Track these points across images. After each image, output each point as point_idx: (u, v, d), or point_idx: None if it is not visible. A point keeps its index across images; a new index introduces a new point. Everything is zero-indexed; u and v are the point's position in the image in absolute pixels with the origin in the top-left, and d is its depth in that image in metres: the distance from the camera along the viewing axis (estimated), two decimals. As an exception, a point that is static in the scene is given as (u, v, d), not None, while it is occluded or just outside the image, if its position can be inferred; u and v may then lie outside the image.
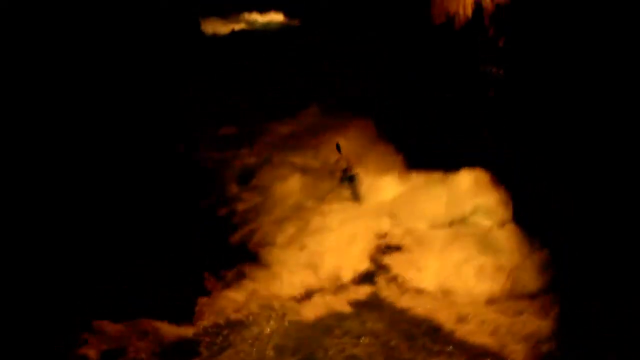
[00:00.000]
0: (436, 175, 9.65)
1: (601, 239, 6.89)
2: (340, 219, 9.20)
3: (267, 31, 23.22)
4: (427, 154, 10.13)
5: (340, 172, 10.49)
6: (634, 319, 6.10)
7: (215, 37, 21.98)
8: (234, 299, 7.49)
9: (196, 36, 19.61)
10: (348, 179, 10.13)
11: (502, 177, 9.02)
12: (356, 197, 9.85)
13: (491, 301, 7.25)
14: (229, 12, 25.79)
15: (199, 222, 9.41)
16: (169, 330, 6.97)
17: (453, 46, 10.06)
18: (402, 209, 9.29)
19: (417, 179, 9.85)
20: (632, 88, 6.62)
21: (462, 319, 7.01)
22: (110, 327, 6.92)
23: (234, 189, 10.60)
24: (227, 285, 7.84)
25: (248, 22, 25.19)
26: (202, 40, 19.82)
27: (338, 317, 7.27)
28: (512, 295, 7.28)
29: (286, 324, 7.14)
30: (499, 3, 8.99)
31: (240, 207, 9.92)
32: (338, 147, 10.53)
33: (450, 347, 6.67)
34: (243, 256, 8.52)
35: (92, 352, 6.62)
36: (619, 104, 6.82)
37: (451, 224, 8.84)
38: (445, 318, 7.07)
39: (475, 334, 6.81)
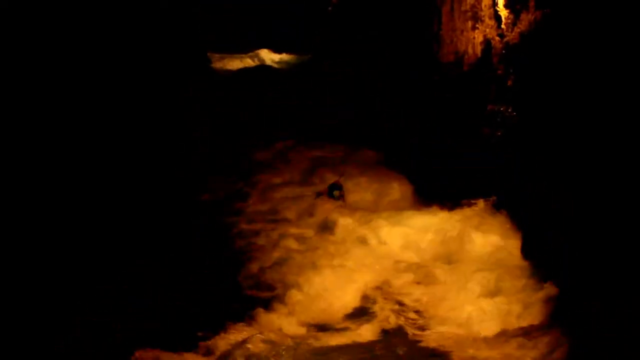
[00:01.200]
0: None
1: (601, 239, 6.76)
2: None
3: (280, 70, 23.41)
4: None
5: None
6: (634, 319, 5.95)
7: (225, 72, 22.15)
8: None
9: (204, 71, 19.81)
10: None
11: (511, 210, 8.95)
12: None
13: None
14: (241, 49, 26.12)
15: (198, 221, 9.42)
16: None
17: (462, 85, 10.00)
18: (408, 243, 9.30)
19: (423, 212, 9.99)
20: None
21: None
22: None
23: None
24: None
25: (259, 59, 25.43)
26: (210, 75, 19.96)
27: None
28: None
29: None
30: (508, 42, 8.94)
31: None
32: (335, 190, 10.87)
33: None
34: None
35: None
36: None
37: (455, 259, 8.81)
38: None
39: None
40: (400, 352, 7.11)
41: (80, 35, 9.41)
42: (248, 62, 24.52)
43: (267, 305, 7.95)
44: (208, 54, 22.83)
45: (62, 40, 8.97)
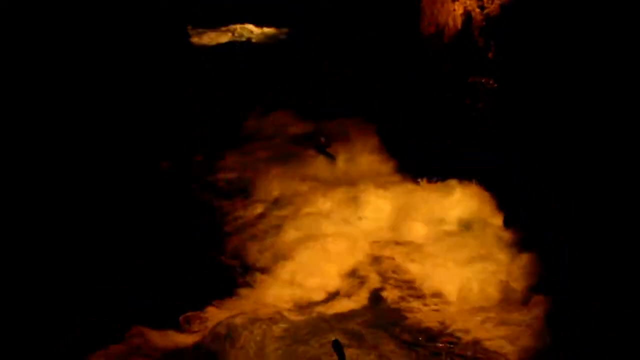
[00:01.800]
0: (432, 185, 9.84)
1: (600, 239, 6.85)
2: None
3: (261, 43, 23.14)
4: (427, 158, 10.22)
5: None
6: (634, 319, 6.06)
7: (205, 48, 21.82)
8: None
9: (184, 47, 19.47)
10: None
11: (492, 184, 9.05)
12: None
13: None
14: (219, 24, 25.73)
15: (197, 220, 9.42)
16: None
17: (443, 57, 9.99)
18: (398, 215, 9.35)
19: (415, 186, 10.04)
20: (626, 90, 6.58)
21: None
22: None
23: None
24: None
25: (240, 34, 25.11)
26: (190, 52, 19.63)
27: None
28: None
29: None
30: (488, 14, 8.94)
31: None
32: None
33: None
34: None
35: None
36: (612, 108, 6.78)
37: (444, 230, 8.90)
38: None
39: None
40: (385, 325, 7.21)
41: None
42: (230, 36, 24.23)
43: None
44: (188, 28, 22.46)
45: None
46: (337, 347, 6.07)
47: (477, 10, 9.24)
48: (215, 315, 7.35)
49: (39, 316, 6.81)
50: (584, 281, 6.80)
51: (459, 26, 9.68)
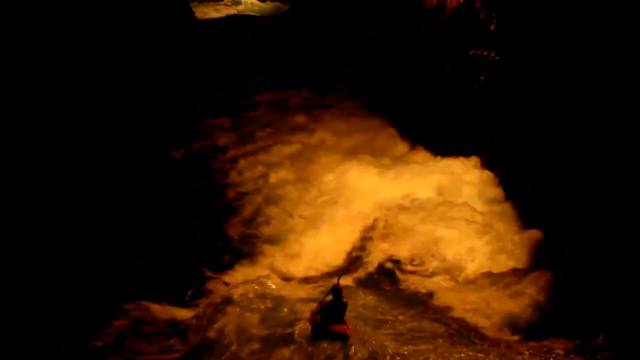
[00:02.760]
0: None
1: (601, 239, 6.85)
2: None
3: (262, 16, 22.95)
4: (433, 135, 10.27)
5: None
6: (634, 319, 6.08)
7: (210, 22, 21.66)
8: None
9: (190, 21, 19.33)
10: None
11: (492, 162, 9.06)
12: None
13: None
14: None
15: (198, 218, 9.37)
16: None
17: (444, 30, 9.93)
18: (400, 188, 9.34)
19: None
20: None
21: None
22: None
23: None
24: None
25: (237, 5, 24.92)
26: (196, 26, 19.49)
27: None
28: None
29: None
30: (490, -14, 8.88)
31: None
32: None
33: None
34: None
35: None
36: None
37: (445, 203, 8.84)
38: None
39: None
40: (388, 293, 7.31)
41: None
42: (231, 10, 24.04)
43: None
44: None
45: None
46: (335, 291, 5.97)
47: (480, -18, 9.17)
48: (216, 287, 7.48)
49: (39, 316, 6.80)
50: (584, 280, 6.79)
51: (461, -1, 9.61)
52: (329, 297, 6.01)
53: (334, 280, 6.21)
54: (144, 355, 6.47)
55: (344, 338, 5.89)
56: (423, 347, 6.10)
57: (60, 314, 6.91)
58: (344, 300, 5.96)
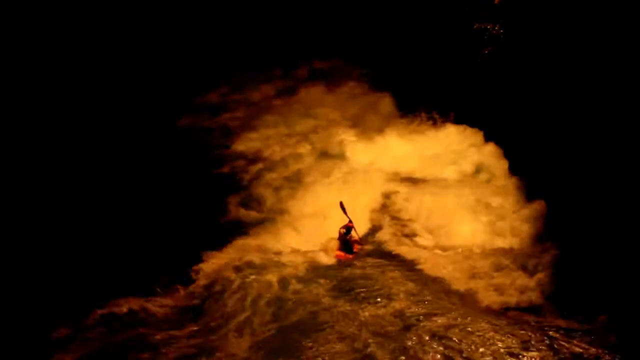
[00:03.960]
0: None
1: (607, 213, 6.87)
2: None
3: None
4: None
5: None
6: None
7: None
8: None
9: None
10: None
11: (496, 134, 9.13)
12: None
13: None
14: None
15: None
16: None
17: (447, 4, 10.03)
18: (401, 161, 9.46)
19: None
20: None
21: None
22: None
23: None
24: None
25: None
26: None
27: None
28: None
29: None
30: (494, -42, 8.95)
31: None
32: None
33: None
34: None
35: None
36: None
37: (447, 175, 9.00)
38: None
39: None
40: (388, 266, 7.33)
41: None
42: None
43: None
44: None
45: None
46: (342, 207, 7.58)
47: (484, -45, 9.24)
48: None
49: (39, 316, 6.64)
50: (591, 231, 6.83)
51: (465, -28, 9.68)
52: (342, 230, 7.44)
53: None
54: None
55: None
56: (422, 319, 6.19)
57: (60, 314, 6.69)
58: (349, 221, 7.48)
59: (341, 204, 7.74)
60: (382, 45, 12.02)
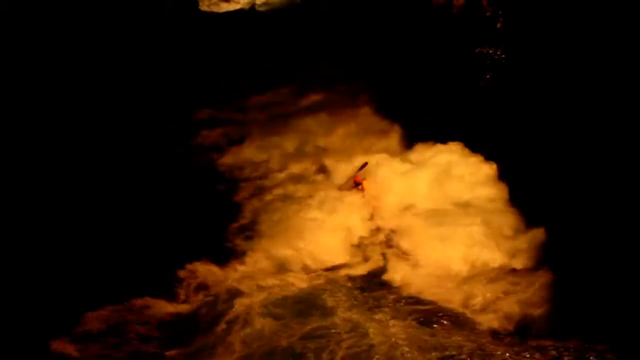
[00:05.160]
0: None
1: (607, 239, 6.84)
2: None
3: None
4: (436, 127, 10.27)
5: None
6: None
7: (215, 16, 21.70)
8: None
9: (195, 17, 19.37)
10: None
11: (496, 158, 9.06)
12: None
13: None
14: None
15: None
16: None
17: (451, 28, 10.01)
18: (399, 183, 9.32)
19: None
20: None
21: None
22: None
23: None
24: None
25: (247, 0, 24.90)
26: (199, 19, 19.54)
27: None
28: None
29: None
30: (497, -16, 8.94)
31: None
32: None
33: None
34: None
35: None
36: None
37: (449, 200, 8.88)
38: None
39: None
40: (389, 300, 7.26)
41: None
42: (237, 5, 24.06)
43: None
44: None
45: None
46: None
47: (486, -20, 9.24)
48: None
49: (39, 316, 6.77)
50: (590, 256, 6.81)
51: (468, -4, 9.69)
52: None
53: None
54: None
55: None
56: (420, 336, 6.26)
57: (59, 314, 6.85)
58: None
59: (364, 165, 9.34)
60: (383, 67, 12.12)
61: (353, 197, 9.11)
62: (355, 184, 9.29)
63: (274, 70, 15.21)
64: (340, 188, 9.37)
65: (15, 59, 8.60)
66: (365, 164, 9.45)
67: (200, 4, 22.00)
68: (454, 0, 9.86)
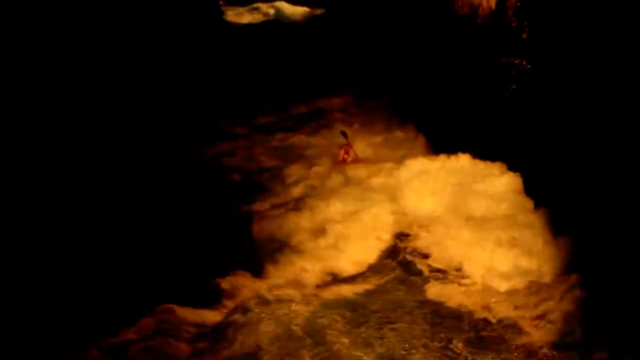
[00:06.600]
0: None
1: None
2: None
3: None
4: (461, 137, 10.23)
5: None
6: None
7: (240, 27, 21.96)
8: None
9: (220, 26, 19.59)
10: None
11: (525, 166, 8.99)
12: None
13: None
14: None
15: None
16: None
17: (476, 38, 9.99)
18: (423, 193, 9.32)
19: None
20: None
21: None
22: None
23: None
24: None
25: (270, 11, 25.18)
26: (226, 30, 19.77)
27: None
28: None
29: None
30: (523, -6, 8.91)
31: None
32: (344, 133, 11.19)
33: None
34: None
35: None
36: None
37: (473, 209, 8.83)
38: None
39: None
40: (405, 298, 7.31)
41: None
42: (261, 16, 24.34)
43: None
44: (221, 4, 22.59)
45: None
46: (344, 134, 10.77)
47: (512, -10, 9.21)
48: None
49: (38, 316, 6.80)
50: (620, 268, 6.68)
51: (493, 6, 9.65)
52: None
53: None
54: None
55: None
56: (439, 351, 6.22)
57: (60, 314, 6.91)
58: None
59: (343, 132, 10.89)
60: (404, 77, 12.14)
61: (377, 207, 9.12)
62: (345, 152, 10.60)
63: (278, 72, 15.30)
64: (335, 163, 10.52)
65: (15, 59, 8.68)
66: (344, 132, 11.00)
67: (225, 14, 22.29)
68: (479, 11, 9.85)
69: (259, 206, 9.72)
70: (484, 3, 9.77)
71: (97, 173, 9.46)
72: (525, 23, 8.93)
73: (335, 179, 10.10)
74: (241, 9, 25.27)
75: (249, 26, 22.27)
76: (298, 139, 12.23)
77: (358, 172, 10.23)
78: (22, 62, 8.73)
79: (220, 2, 22.52)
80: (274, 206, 9.69)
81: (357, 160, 10.60)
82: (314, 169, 10.63)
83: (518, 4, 9.02)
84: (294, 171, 10.67)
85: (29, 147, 8.55)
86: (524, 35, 8.99)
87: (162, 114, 12.63)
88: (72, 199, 8.71)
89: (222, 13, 22.04)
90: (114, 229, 8.62)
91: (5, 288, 7.00)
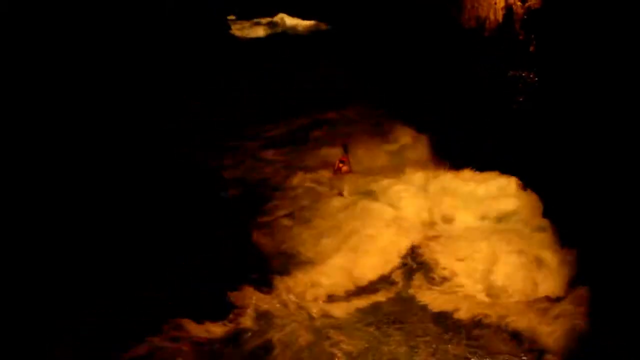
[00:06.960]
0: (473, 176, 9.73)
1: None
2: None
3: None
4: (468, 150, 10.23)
5: None
6: None
7: (245, 41, 22.08)
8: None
9: (225, 39, 19.69)
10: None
11: (532, 178, 9.00)
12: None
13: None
14: (255, 14, 26.06)
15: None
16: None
17: (483, 51, 10.04)
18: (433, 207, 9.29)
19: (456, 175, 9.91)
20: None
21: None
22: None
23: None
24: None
25: (275, 25, 25.33)
26: (231, 44, 19.87)
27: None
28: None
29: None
30: (529, 7, 8.95)
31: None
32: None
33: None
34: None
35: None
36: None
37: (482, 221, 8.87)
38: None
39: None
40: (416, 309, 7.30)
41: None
42: (267, 29, 24.47)
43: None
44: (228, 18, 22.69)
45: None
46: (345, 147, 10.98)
47: (519, 3, 9.23)
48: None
49: (38, 317, 6.75)
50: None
51: (500, 19, 9.70)
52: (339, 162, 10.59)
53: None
54: None
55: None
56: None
57: (60, 314, 6.85)
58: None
59: (344, 145, 11.10)
60: (410, 90, 12.17)
61: (384, 219, 9.07)
62: (340, 162, 10.76)
63: (278, 72, 15.30)
64: (335, 172, 10.65)
65: (15, 59, 8.65)
66: (345, 145, 11.13)
67: (232, 28, 22.42)
68: (487, 24, 9.90)
69: (262, 214, 9.62)
70: (491, 16, 9.82)
71: (97, 173, 9.41)
72: (533, 36, 8.97)
73: (338, 189, 10.06)
74: (245, 23, 25.41)
75: (256, 40, 22.38)
76: (300, 145, 12.21)
77: (361, 182, 10.18)
78: (22, 62, 8.73)
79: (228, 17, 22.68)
80: (277, 215, 9.60)
81: (349, 172, 10.56)
82: (317, 177, 10.58)
83: (525, 17, 9.07)
84: (295, 179, 10.57)
85: (29, 147, 8.51)
86: (532, 48, 9.03)
87: (162, 114, 12.60)
88: (72, 199, 8.66)
89: (229, 28, 22.13)
90: (113, 229, 8.57)
91: (5, 288, 6.97)
